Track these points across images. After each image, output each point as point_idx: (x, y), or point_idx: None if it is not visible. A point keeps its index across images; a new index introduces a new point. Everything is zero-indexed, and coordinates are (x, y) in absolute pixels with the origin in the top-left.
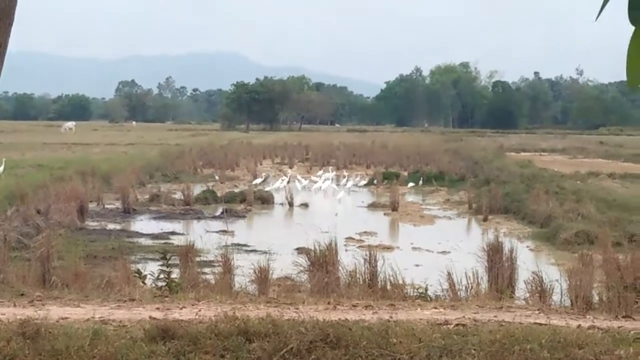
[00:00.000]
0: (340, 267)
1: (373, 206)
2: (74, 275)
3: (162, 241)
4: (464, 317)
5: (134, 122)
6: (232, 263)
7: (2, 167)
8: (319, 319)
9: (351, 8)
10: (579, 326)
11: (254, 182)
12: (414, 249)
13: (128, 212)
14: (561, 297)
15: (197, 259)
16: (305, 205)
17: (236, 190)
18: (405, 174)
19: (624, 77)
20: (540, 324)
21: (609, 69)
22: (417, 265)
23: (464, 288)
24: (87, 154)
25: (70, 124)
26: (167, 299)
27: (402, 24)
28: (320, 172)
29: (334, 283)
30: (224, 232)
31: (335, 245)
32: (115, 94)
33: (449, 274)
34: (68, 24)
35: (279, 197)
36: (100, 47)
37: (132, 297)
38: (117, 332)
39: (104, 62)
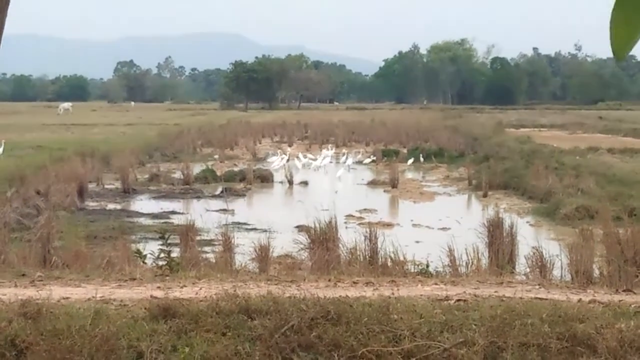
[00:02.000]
0: (340, 245)
1: (373, 183)
2: (75, 256)
3: (162, 220)
4: (464, 292)
5: (132, 103)
6: (232, 241)
7: (2, 148)
8: (319, 296)
9: None
10: (579, 300)
11: (271, 160)
12: (414, 225)
13: (128, 192)
14: (562, 271)
15: (198, 237)
16: (304, 183)
17: (236, 169)
18: (405, 151)
19: None
20: (541, 299)
21: (608, 45)
22: (417, 242)
23: (464, 264)
24: (86, 135)
25: (67, 104)
26: (167, 278)
27: (401, 2)
28: (325, 151)
29: (334, 260)
30: (224, 210)
31: (336, 222)
32: (113, 75)
33: (449, 250)
34: (66, 5)
35: (278, 176)
36: (99, 28)
37: (133, 277)
38: (119, 312)
39: (103, 43)
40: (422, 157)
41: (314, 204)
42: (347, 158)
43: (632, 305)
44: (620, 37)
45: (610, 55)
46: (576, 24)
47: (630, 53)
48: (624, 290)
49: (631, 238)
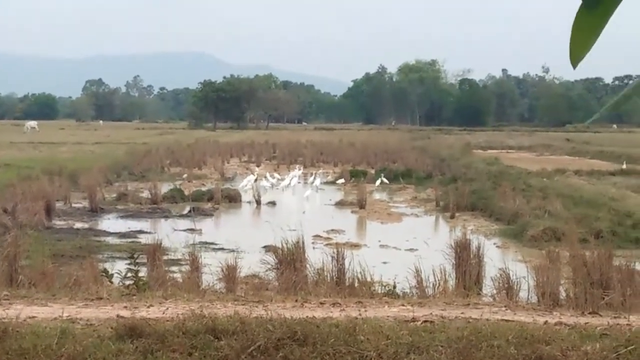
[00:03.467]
0: (307, 265)
1: (341, 204)
2: (42, 274)
3: (130, 240)
4: (431, 314)
5: (101, 121)
6: (199, 261)
7: None
8: (286, 316)
9: (319, 7)
10: (545, 322)
11: (243, 184)
12: (382, 246)
13: (95, 211)
14: (528, 293)
15: (165, 257)
16: (272, 203)
17: (204, 188)
18: (373, 171)
19: (590, 75)
20: (507, 321)
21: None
22: (384, 263)
23: (431, 285)
24: (54, 153)
25: (33, 123)
26: (134, 297)
27: (370, 23)
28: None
29: (301, 281)
30: (192, 230)
31: (303, 243)
32: (82, 93)
33: (416, 271)
34: (34, 23)
35: (246, 196)
36: (68, 47)
37: (100, 296)
38: (85, 331)
39: (71, 61)
40: (384, 178)
41: (281, 224)
42: (315, 178)
43: (598, 328)
44: (577, 45)
45: (578, 77)
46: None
47: (598, 75)
48: (590, 313)
49: (597, 260)
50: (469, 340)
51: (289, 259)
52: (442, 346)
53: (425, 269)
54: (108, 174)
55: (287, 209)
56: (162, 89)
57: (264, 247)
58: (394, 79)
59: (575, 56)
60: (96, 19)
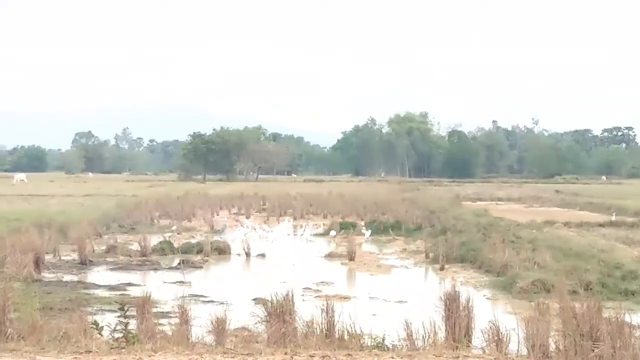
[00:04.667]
0: (297, 317)
1: (330, 256)
2: (30, 327)
3: (119, 292)
4: None
5: (90, 173)
6: (189, 314)
7: None
8: None
9: (309, 60)
10: None
11: (233, 236)
12: (371, 298)
13: (85, 263)
14: (518, 345)
15: (154, 310)
16: (262, 255)
17: (193, 240)
18: (362, 223)
19: (579, 127)
20: None
21: (564, 119)
22: (374, 315)
23: (421, 337)
24: (43, 205)
25: (22, 175)
26: (123, 350)
27: (359, 75)
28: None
29: (291, 333)
30: (181, 282)
31: (293, 295)
32: (71, 145)
33: (406, 323)
34: (22, 76)
35: (235, 248)
36: (58, 99)
37: (89, 349)
38: None
39: (61, 114)
40: (370, 230)
41: (271, 277)
42: (304, 230)
43: None
44: None
45: (567, 129)
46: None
47: (586, 127)
48: None
49: (587, 312)
50: None
51: (279, 311)
52: None
53: (415, 321)
54: (97, 227)
55: (276, 261)
56: (151, 141)
57: (254, 299)
58: (384, 131)
59: None
60: (85, 72)
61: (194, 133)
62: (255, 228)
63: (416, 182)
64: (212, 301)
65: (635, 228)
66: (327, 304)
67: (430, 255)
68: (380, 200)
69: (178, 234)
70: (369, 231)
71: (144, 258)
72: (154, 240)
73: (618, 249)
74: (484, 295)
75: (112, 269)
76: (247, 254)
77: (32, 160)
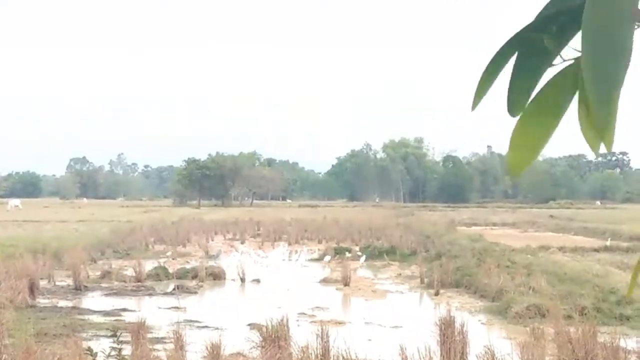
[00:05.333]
0: (292, 343)
1: (325, 281)
2: (25, 353)
3: (114, 318)
4: None
5: (85, 199)
6: (184, 339)
7: None
8: None
9: (302, 89)
10: None
11: (228, 261)
12: (367, 323)
13: (79, 289)
14: None
15: (149, 335)
16: (257, 280)
17: (188, 266)
18: (357, 248)
19: (573, 152)
20: None
21: (558, 144)
22: (369, 340)
23: None
24: (38, 231)
25: (16, 201)
26: None
27: (352, 101)
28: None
29: (286, 359)
30: (176, 308)
31: (287, 320)
32: (66, 171)
33: (401, 348)
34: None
35: (230, 273)
36: (51, 123)
37: None
38: None
39: (55, 138)
40: (364, 255)
41: (266, 302)
42: (299, 256)
43: None
44: (516, 157)
45: (561, 154)
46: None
47: (580, 152)
48: None
49: (582, 337)
50: None
51: (274, 337)
52: None
53: (410, 346)
54: (92, 252)
55: (271, 286)
56: (146, 166)
57: (249, 324)
58: (378, 156)
59: (515, 169)
60: (78, 98)
61: (189, 158)
62: (250, 253)
63: (411, 207)
64: (207, 326)
65: (630, 253)
66: (322, 329)
67: (425, 280)
68: (375, 226)
69: (173, 259)
70: (364, 256)
71: (139, 283)
72: (149, 265)
73: (613, 273)
74: (479, 320)
75: (106, 295)
76: (242, 279)
77: (27, 186)
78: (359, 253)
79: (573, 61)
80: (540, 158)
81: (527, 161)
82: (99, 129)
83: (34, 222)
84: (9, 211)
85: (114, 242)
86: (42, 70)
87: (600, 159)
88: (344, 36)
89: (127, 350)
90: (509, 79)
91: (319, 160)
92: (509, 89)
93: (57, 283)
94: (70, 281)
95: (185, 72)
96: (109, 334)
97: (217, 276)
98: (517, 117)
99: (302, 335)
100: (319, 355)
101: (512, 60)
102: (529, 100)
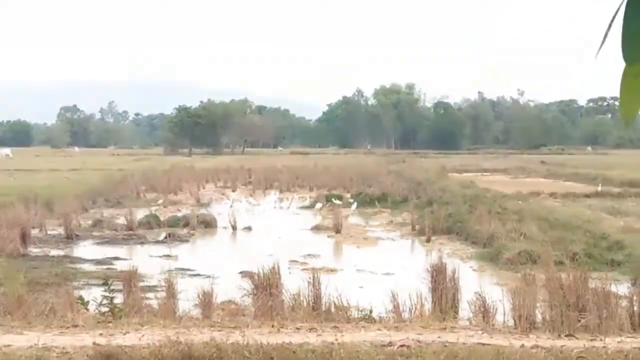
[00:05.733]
0: (284, 290)
1: (316, 229)
2: (17, 302)
3: (105, 266)
4: (407, 338)
5: (76, 148)
6: (175, 288)
7: None
8: (263, 342)
9: (293, 29)
10: (522, 346)
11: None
12: (358, 270)
13: (71, 238)
14: (504, 317)
15: (141, 284)
16: (248, 228)
17: (179, 214)
18: (348, 196)
19: (564, 97)
20: (484, 344)
21: (550, 89)
22: (361, 287)
23: (407, 309)
24: (29, 180)
25: (7, 150)
26: (110, 324)
27: (345, 46)
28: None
29: (278, 306)
30: (167, 256)
31: (279, 268)
32: (57, 120)
33: (393, 295)
34: (5, 48)
35: (222, 221)
36: (41, 72)
37: (76, 324)
38: (61, 359)
39: (45, 87)
40: (356, 202)
41: (257, 250)
42: (291, 203)
43: (574, 351)
44: (628, 105)
45: (552, 99)
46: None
47: (572, 98)
48: (566, 335)
49: (573, 283)
50: None
51: (265, 285)
52: None
53: (402, 293)
54: (83, 201)
55: (263, 234)
56: (137, 114)
57: (240, 272)
58: (369, 103)
59: (628, 116)
60: (66, 45)
61: (180, 106)
62: (241, 201)
63: (402, 154)
64: (198, 275)
65: (621, 198)
66: (313, 276)
67: (417, 227)
68: (367, 173)
69: (164, 207)
70: (355, 204)
71: (130, 232)
72: (140, 214)
73: (604, 219)
74: (471, 267)
75: (98, 243)
76: (234, 227)
77: (17, 135)
78: (351, 200)
79: None
80: (531, 104)
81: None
82: (90, 76)
83: (25, 171)
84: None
85: (105, 191)
86: (38, 13)
87: (591, 104)
88: None
89: (118, 298)
90: (624, 25)
91: (310, 107)
92: (624, 36)
93: (49, 232)
94: (61, 230)
95: (177, 17)
96: (101, 283)
97: (208, 224)
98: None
99: (293, 283)
100: (310, 303)
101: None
102: None
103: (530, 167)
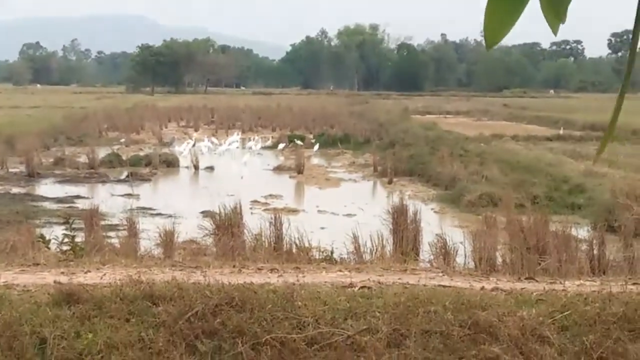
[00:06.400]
0: (245, 231)
1: (279, 169)
2: None
3: (67, 205)
4: (368, 279)
5: (38, 85)
6: (137, 227)
7: None
8: (224, 282)
9: None
10: (482, 288)
11: (182, 149)
12: (320, 211)
13: (32, 175)
14: (465, 259)
15: (102, 222)
16: (210, 168)
17: (141, 153)
18: (311, 136)
19: (527, 40)
20: (444, 286)
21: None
22: (322, 228)
23: (369, 251)
24: None
25: None
26: (71, 263)
27: None
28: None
29: (239, 246)
30: (129, 195)
31: (241, 208)
32: (19, 57)
33: (354, 236)
34: None
35: (184, 161)
36: (2, 8)
37: (37, 262)
38: (22, 297)
39: (7, 24)
40: (318, 143)
41: (219, 190)
42: (253, 143)
43: (534, 293)
44: (492, 26)
45: (515, 42)
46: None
47: (535, 40)
48: (526, 278)
49: (534, 226)
50: (406, 306)
51: (227, 225)
52: (379, 312)
53: (363, 234)
54: (45, 139)
55: (225, 174)
56: (99, 52)
57: (202, 212)
58: (333, 44)
59: (491, 40)
60: None
61: (142, 45)
62: (204, 141)
63: (365, 95)
64: (160, 214)
65: (582, 142)
66: (275, 217)
67: (379, 168)
68: (329, 114)
69: (126, 146)
70: (317, 144)
71: (92, 171)
72: (102, 152)
73: (565, 162)
74: (432, 209)
75: (59, 182)
76: (196, 167)
77: None
78: (313, 141)
79: None
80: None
81: (502, 34)
82: (54, 13)
83: None
84: None
85: (67, 129)
86: None
87: (554, 47)
88: None
89: (80, 237)
90: None
91: (274, 47)
92: None
93: (10, 170)
94: (23, 168)
95: None
96: (62, 221)
97: (170, 164)
98: None
99: (255, 223)
100: (272, 243)
101: None
102: None
103: (493, 110)
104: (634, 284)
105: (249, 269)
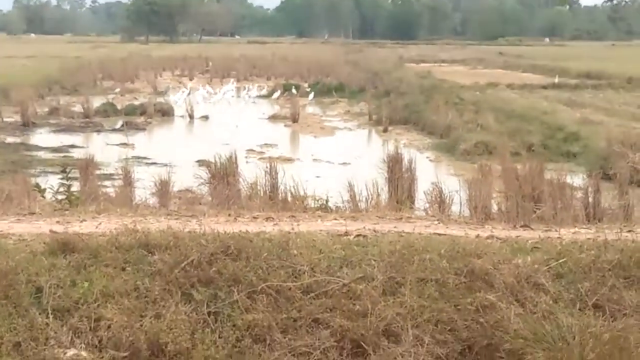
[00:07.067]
0: (241, 179)
1: (274, 118)
2: None
3: (62, 154)
4: (364, 228)
5: (32, 35)
6: (132, 176)
7: None
8: (219, 231)
9: None
10: (477, 236)
11: (176, 98)
12: (315, 160)
13: (27, 125)
14: (460, 207)
15: (97, 172)
16: (205, 117)
17: (136, 102)
18: (306, 85)
19: None
20: (440, 234)
21: None
22: (318, 177)
23: (364, 199)
24: None
25: None
26: (67, 212)
27: None
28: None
29: (235, 195)
30: (125, 144)
31: (236, 157)
32: (13, 6)
33: (349, 185)
34: None
35: (179, 110)
36: None
37: (32, 211)
38: (17, 246)
39: None
40: (313, 92)
41: (214, 138)
42: (248, 92)
43: (529, 241)
44: None
45: None
46: None
47: None
48: (521, 226)
49: (529, 174)
50: (401, 254)
51: (222, 174)
52: (374, 260)
53: (358, 183)
54: (40, 89)
55: (220, 123)
56: (94, 1)
57: (197, 161)
58: None
59: None
60: None
61: None
62: (199, 90)
63: (360, 44)
64: (155, 163)
65: (577, 90)
66: (270, 166)
67: (374, 117)
68: (324, 63)
69: (121, 95)
70: (312, 93)
71: (87, 120)
72: (97, 102)
73: (561, 111)
74: (427, 157)
75: (54, 131)
76: (191, 116)
77: None
78: (308, 90)
79: None
80: None
81: None
82: None
83: None
84: None
85: (62, 78)
86: None
87: None
88: None
89: (75, 186)
90: None
91: None
92: None
93: (5, 119)
94: (18, 117)
95: None
96: (58, 171)
97: (165, 113)
98: None
99: (250, 172)
100: (267, 192)
101: None
102: None
103: (488, 58)
104: (629, 231)
105: (245, 217)
